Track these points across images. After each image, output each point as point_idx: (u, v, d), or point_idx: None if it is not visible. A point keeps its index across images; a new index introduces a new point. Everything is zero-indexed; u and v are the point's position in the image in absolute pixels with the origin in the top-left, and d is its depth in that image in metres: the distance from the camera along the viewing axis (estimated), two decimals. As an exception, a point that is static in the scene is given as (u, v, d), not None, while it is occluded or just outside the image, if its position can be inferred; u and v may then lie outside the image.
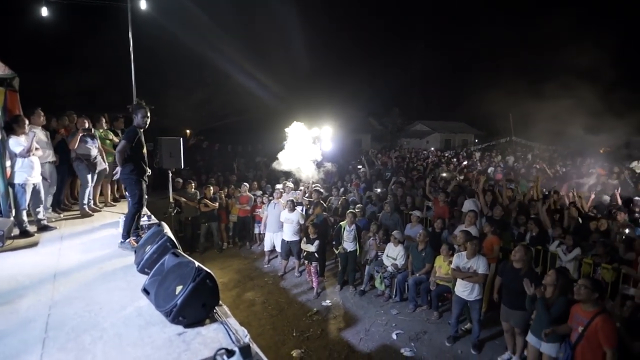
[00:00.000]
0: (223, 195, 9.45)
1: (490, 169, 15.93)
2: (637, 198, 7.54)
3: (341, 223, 7.32)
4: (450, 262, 5.56)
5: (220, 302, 2.91)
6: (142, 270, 3.51)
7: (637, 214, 7.13)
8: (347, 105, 32.12)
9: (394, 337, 5.54)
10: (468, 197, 7.82)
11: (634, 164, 13.81)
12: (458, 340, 5.41)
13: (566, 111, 18.71)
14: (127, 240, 4.48)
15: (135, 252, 4.13)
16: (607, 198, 8.45)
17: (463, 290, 5.18)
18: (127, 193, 5.09)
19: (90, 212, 6.44)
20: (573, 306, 3.69)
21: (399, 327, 5.78)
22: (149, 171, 4.68)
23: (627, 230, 5.80)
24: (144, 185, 4.56)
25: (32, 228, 5.13)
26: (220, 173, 12.21)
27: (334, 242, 7.55)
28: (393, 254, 6.75)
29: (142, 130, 4.50)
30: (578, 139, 19.86)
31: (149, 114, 4.48)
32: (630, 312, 4.13)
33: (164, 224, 4.30)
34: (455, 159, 19.53)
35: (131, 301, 3.05)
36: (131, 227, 4.57)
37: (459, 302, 5.29)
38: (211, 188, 9.27)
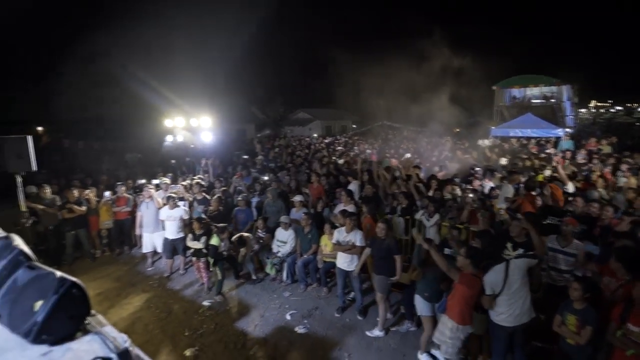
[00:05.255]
0: (93, 198, 8.43)
1: (367, 152, 17.33)
2: (477, 168, 9.03)
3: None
4: (335, 240, 5.97)
5: (94, 311, 2.65)
6: (-13, 293, 2.97)
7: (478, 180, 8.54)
8: (228, 95, 31.24)
9: (288, 317, 5.75)
10: (351, 178, 8.50)
11: (480, 142, 16.44)
12: (346, 310, 5.89)
13: (425, 98, 21.32)
14: None
15: None
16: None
17: (343, 262, 5.63)
18: None
19: None
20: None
21: (292, 308, 6.02)
22: None
23: (470, 195, 6.93)
24: None
25: None
26: (85, 174, 10.85)
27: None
28: (283, 238, 6.94)
29: None
30: (437, 121, 22.80)
31: None
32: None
33: (13, 235, 3.68)
34: (335, 144, 20.71)
35: (-25, 329, 2.57)
36: None
37: (341, 274, 5.75)
38: (74, 191, 8.19)
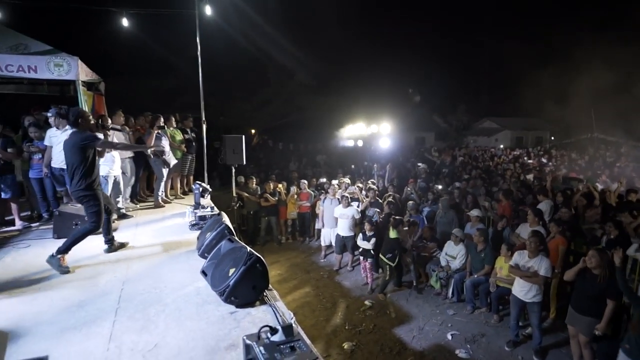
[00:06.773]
0: (283, 192, 9.78)
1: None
2: None
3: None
4: (513, 263, 5.27)
5: (270, 286, 3.09)
6: (202, 255, 3.80)
7: None
8: (410, 102, 31.43)
9: (449, 337, 5.38)
10: (542, 197, 7.38)
11: None
12: (519, 346, 5.10)
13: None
14: (59, 256, 3.65)
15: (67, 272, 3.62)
16: None
17: (520, 289, 4.86)
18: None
19: (163, 203, 7.04)
20: None
21: (455, 328, 5.60)
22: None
23: None
24: (101, 195, 4.00)
25: (112, 216, 5.74)
26: (280, 170, 12.64)
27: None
28: (453, 253, 6.55)
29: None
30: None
31: (82, 114, 4.01)
32: None
33: (223, 213, 4.62)
34: (526, 157, 18.33)
35: (191, 281, 3.34)
36: (74, 245, 3.75)
37: (516, 302, 4.98)
38: (271, 184, 9.65)
